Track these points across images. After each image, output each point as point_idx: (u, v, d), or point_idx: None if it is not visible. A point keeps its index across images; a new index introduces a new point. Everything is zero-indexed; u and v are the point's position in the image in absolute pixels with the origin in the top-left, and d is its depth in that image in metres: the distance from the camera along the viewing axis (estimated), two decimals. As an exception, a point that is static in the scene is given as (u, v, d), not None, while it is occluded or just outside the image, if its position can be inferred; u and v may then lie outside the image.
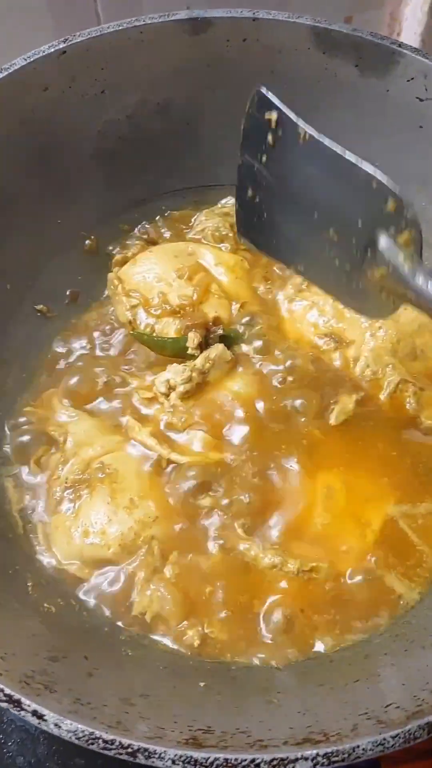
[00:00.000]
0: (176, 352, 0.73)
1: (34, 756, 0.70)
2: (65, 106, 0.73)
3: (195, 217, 0.85)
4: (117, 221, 0.83)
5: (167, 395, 0.71)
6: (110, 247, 0.83)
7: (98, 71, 0.73)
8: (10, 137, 0.70)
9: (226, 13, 0.73)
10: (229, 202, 0.86)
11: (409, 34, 1.21)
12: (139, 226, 0.84)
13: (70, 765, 0.69)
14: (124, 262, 0.81)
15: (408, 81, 0.72)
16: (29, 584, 0.62)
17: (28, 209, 0.74)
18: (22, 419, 0.73)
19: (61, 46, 0.70)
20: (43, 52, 0.69)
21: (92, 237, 0.82)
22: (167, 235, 0.84)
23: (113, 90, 0.75)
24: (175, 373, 0.71)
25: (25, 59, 0.69)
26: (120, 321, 0.77)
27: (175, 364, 0.71)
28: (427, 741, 0.72)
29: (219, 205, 0.86)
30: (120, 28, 0.71)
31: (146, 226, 0.84)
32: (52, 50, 0.70)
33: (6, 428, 0.72)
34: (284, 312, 0.79)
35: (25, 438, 0.71)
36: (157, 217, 0.85)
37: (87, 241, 0.82)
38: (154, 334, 0.75)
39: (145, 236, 0.84)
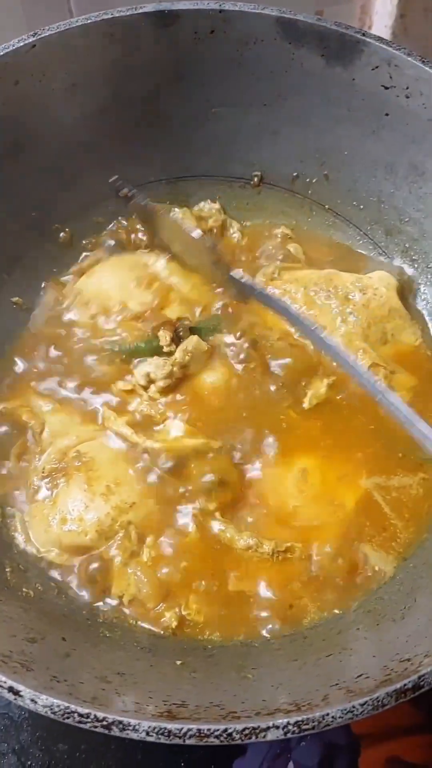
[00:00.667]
0: (151, 353, 0.74)
1: (17, 742, 0.71)
2: (36, 100, 0.74)
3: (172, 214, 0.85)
4: (91, 214, 0.84)
5: (146, 388, 0.72)
6: (84, 241, 0.84)
7: (68, 65, 0.74)
8: (-19, 131, 0.71)
9: (192, 5, 0.74)
10: (205, 206, 0.87)
11: (380, 26, 1.22)
12: (114, 221, 0.85)
13: (54, 750, 0.71)
14: (81, 273, 0.81)
15: (373, 69, 0.73)
16: (7, 570, 0.63)
17: (1, 204, 0.75)
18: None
19: (31, 40, 0.70)
20: (13, 46, 0.70)
21: (66, 230, 0.82)
22: (141, 235, 0.84)
23: (84, 83, 0.75)
24: (156, 366, 0.72)
25: (-5, 54, 0.69)
26: (82, 327, 0.77)
27: (156, 357, 0.72)
28: (405, 718, 0.74)
29: (196, 209, 0.87)
30: (89, 21, 0.72)
31: (123, 221, 0.85)
32: (21, 44, 0.70)
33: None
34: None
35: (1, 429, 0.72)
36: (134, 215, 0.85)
37: (62, 234, 0.82)
38: (123, 345, 0.75)
39: (119, 232, 0.84)
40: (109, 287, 0.78)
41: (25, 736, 0.71)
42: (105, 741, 0.71)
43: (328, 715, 0.47)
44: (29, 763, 0.70)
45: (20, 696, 0.47)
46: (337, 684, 0.51)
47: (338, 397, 0.73)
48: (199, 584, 0.64)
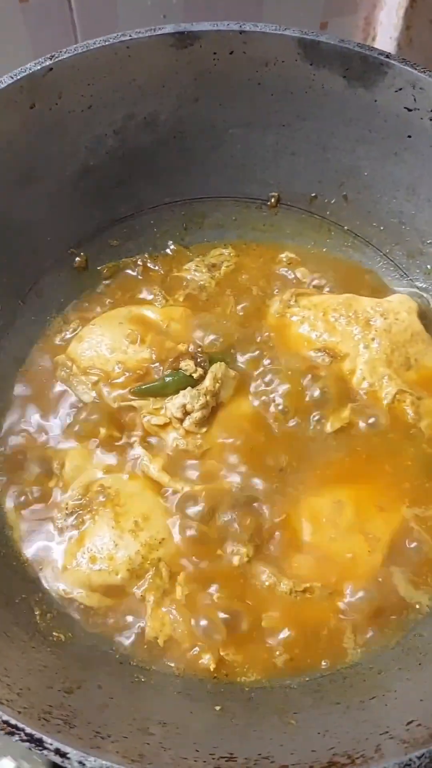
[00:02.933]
0: (181, 385, 0.71)
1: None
2: (53, 122, 0.72)
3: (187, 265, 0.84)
4: (106, 236, 0.82)
5: (181, 420, 0.70)
6: (99, 267, 0.82)
7: (85, 87, 0.72)
8: (-2, 155, 0.69)
9: (212, 26, 0.72)
10: (215, 252, 0.85)
11: (384, 38, 1.21)
12: (139, 255, 0.84)
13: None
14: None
15: (396, 91, 0.72)
16: (36, 613, 0.61)
17: (18, 227, 0.73)
18: (16, 442, 0.72)
19: (48, 63, 0.69)
20: (30, 69, 0.68)
21: (82, 254, 0.80)
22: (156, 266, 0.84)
23: (100, 105, 0.73)
24: (192, 397, 0.70)
25: (12, 77, 0.67)
26: (84, 401, 0.73)
27: (188, 388, 0.71)
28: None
29: (209, 255, 0.85)
30: (107, 43, 0.70)
31: (145, 256, 0.84)
32: (38, 67, 0.68)
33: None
34: (273, 330, 0.79)
35: (21, 462, 0.70)
36: (154, 250, 0.85)
37: (77, 258, 0.80)
38: (148, 384, 0.73)
39: (139, 265, 0.83)
40: (104, 350, 0.75)
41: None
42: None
43: (385, 768, 0.46)
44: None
45: (67, 758, 0.45)
46: (387, 732, 0.50)
47: (369, 422, 0.72)
48: (234, 623, 0.62)
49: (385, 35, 1.21)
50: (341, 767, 0.47)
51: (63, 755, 0.45)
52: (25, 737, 0.46)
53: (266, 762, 0.49)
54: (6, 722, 0.46)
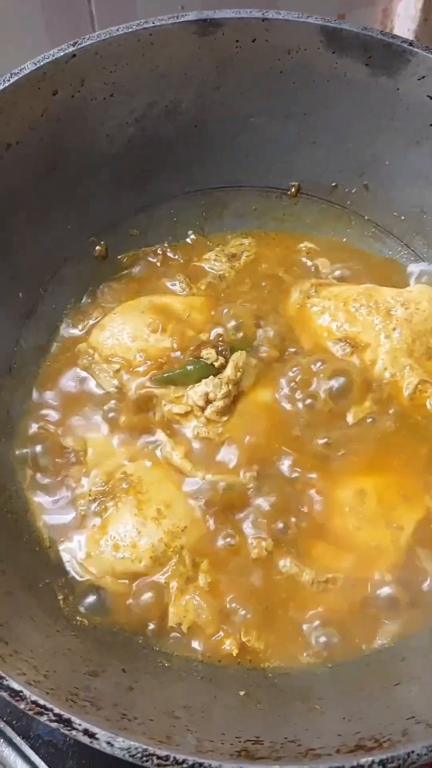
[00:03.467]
0: (203, 374, 0.71)
1: (62, 771, 0.69)
2: (74, 109, 0.72)
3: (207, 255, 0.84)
4: (126, 225, 0.82)
5: (203, 409, 0.70)
6: (120, 256, 0.82)
7: (107, 74, 0.72)
8: (21, 142, 0.69)
9: (235, 14, 0.72)
10: (235, 241, 0.85)
11: (402, 30, 1.21)
12: (159, 245, 0.84)
13: (100, 778, 0.69)
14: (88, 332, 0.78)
15: (419, 79, 0.72)
16: (60, 597, 0.62)
17: (39, 215, 0.73)
18: (39, 429, 0.72)
19: (71, 49, 0.69)
20: (53, 56, 0.68)
21: (102, 243, 0.80)
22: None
23: (122, 93, 0.73)
24: (214, 386, 0.70)
25: (35, 63, 0.67)
26: (106, 389, 0.73)
27: (210, 377, 0.70)
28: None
29: (229, 245, 0.85)
30: (129, 30, 0.70)
31: (165, 245, 0.84)
32: (62, 54, 0.68)
33: (20, 440, 0.71)
34: (293, 321, 0.78)
35: (42, 449, 0.70)
36: (174, 239, 0.84)
37: (97, 247, 0.80)
38: (169, 372, 0.73)
39: (159, 254, 0.83)
40: (125, 338, 0.75)
41: (71, 764, 0.69)
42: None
43: (413, 752, 0.46)
44: (74, 791, 0.68)
45: (96, 739, 0.46)
46: (414, 717, 0.50)
47: (390, 412, 0.72)
48: (258, 610, 0.62)
49: (403, 27, 1.21)
50: (368, 750, 0.47)
51: (92, 736, 0.46)
52: (53, 717, 0.46)
53: (293, 746, 0.49)
54: (35, 702, 0.46)
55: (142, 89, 0.74)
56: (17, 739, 0.68)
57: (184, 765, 0.45)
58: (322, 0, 1.16)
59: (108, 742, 0.45)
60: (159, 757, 0.45)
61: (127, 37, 0.70)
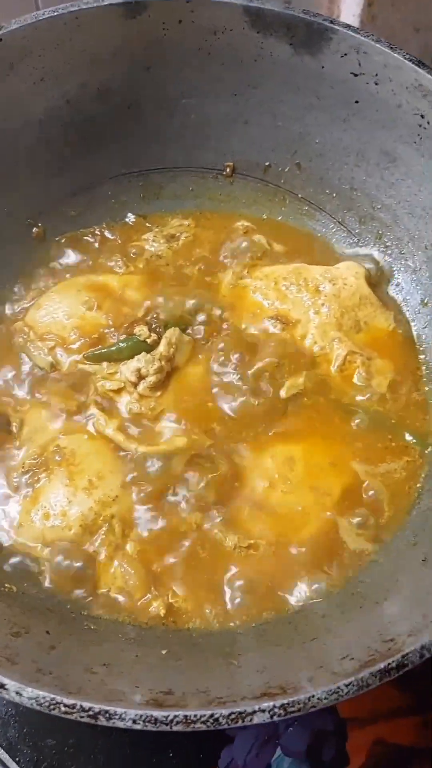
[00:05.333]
0: (135, 350, 0.73)
1: (5, 739, 0.70)
2: (5, 94, 0.73)
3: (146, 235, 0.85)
4: (64, 207, 0.83)
5: (136, 385, 0.72)
6: (57, 237, 0.83)
7: (36, 58, 0.73)
8: None
9: (159, -5, 0.74)
10: (174, 222, 0.87)
11: (348, 15, 1.23)
12: (97, 226, 0.85)
13: (42, 746, 0.70)
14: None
15: (341, 57, 0.74)
16: (-3, 565, 0.63)
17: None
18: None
19: (-5, 32, 0.70)
20: (-24, 39, 0.70)
21: (39, 225, 0.82)
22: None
23: (52, 76, 0.75)
24: (146, 362, 0.71)
25: (-39, 47, 0.69)
26: (40, 366, 0.75)
27: (143, 353, 0.72)
28: (390, 701, 0.75)
29: (168, 226, 0.86)
30: (55, 14, 0.72)
31: (103, 226, 0.85)
32: (-12, 37, 0.70)
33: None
34: (227, 299, 0.80)
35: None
36: (112, 220, 0.86)
37: (34, 229, 0.82)
38: (102, 349, 0.75)
39: (98, 235, 0.85)
40: (61, 316, 0.76)
41: (12, 732, 0.71)
42: (93, 736, 0.71)
43: (313, 696, 0.48)
44: (17, 759, 0.70)
45: (5, 689, 0.47)
46: (321, 666, 0.52)
47: (320, 383, 0.74)
48: (184, 573, 0.64)
49: (349, 13, 1.22)
50: (272, 696, 0.48)
51: (1, 686, 0.47)
52: (-35, 671, 0.48)
53: (202, 695, 0.50)
54: None
55: (72, 72, 0.76)
56: (-43, 710, 0.70)
57: (90, 712, 0.47)
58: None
59: (17, 692, 0.47)
60: (66, 705, 0.47)
61: (54, 21, 0.72)
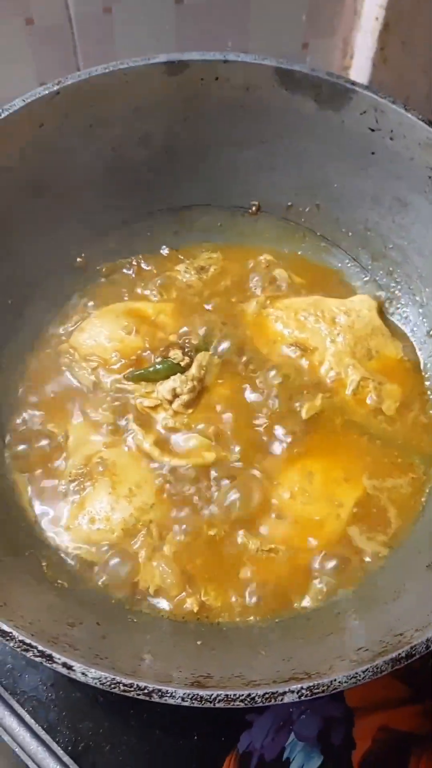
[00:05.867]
0: (170, 371, 0.81)
1: (45, 722, 0.78)
2: (58, 139, 0.81)
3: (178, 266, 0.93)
4: (105, 240, 0.91)
5: (171, 402, 0.80)
6: (98, 266, 0.92)
7: (87, 108, 0.81)
8: (11, 168, 0.78)
9: (200, 56, 0.82)
10: (204, 255, 0.95)
11: (361, 58, 1.31)
12: (134, 257, 0.93)
13: (79, 728, 0.78)
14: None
15: (361, 114, 0.82)
16: (44, 564, 0.71)
17: (29, 231, 0.82)
18: (25, 419, 0.81)
19: (55, 88, 0.78)
20: (39, 94, 0.77)
21: (83, 255, 0.90)
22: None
23: (101, 125, 0.83)
24: (180, 382, 0.80)
25: (24, 100, 0.77)
26: (84, 384, 0.83)
27: (177, 374, 0.81)
28: (394, 691, 0.83)
29: (198, 258, 0.94)
30: (107, 71, 0.80)
31: (140, 257, 0.93)
32: (47, 92, 0.78)
33: (9, 428, 0.81)
34: (251, 327, 0.89)
35: (29, 437, 0.80)
36: (148, 252, 0.94)
37: (78, 259, 0.90)
38: (141, 370, 0.83)
39: (134, 265, 0.93)
40: (102, 339, 0.85)
41: (52, 715, 0.78)
42: (125, 719, 0.78)
43: (335, 680, 0.56)
44: (57, 739, 0.77)
45: (73, 670, 0.55)
46: (340, 656, 0.60)
47: (336, 406, 0.82)
48: (215, 574, 0.72)
49: (362, 56, 1.31)
50: (299, 680, 0.56)
51: (69, 668, 0.55)
52: (37, 653, 0.55)
53: (238, 679, 0.58)
54: (22, 641, 0.56)
55: (119, 121, 0.84)
56: (5, 695, 0.77)
57: (146, 690, 0.55)
58: (288, 31, 1.26)
59: (83, 673, 0.55)
60: (125, 684, 0.55)
61: (105, 77, 0.80)
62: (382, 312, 0.89)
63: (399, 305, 0.90)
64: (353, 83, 0.82)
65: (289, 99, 0.84)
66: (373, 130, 0.83)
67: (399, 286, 0.90)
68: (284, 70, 0.82)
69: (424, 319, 0.88)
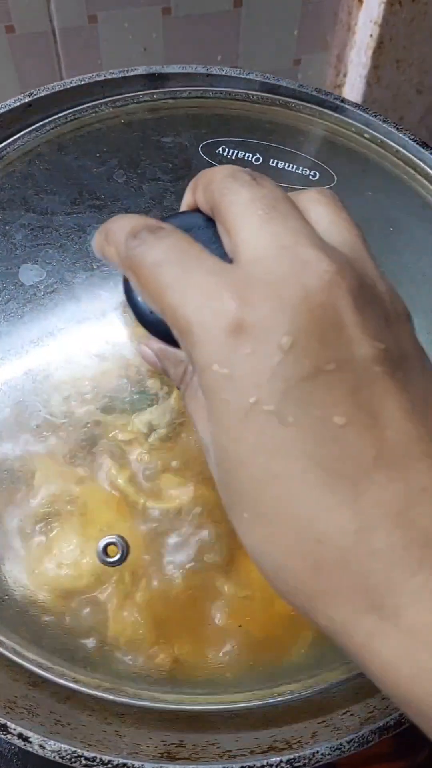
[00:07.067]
0: (146, 403, 0.76)
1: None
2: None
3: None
4: (80, 261, 0.87)
5: (147, 436, 0.75)
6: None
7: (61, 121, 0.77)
8: (-22, 185, 0.74)
9: (181, 69, 0.78)
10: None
11: (354, 75, 1.28)
12: None
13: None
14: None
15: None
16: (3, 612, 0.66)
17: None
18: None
19: (27, 99, 0.74)
20: (10, 105, 0.73)
21: (57, 276, 0.86)
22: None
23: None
24: (158, 414, 0.75)
25: (-7, 112, 0.72)
26: (54, 416, 0.76)
27: (155, 406, 0.76)
28: (379, 746, 0.79)
29: None
30: (82, 83, 0.76)
31: None
32: (18, 104, 0.74)
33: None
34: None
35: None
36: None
37: (52, 281, 0.86)
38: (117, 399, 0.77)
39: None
40: (75, 368, 0.78)
41: (15, 774, 0.73)
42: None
43: (317, 752, 0.51)
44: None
45: (29, 742, 0.50)
46: (324, 722, 0.55)
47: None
48: (189, 626, 0.67)
49: (355, 74, 1.28)
50: (279, 751, 0.52)
51: (25, 739, 0.50)
52: (-10, 723, 0.50)
53: (213, 748, 0.54)
54: (-27, 709, 0.51)
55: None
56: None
57: (109, 765, 0.50)
58: (280, 46, 1.23)
59: (40, 745, 0.50)
60: (86, 758, 0.50)
61: (81, 89, 0.76)
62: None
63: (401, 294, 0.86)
64: (343, 100, 0.78)
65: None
66: (363, 149, 0.79)
67: (402, 273, 0.86)
68: (270, 85, 0.78)
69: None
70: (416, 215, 0.79)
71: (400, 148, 0.78)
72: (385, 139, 0.78)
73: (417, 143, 0.76)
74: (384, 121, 0.77)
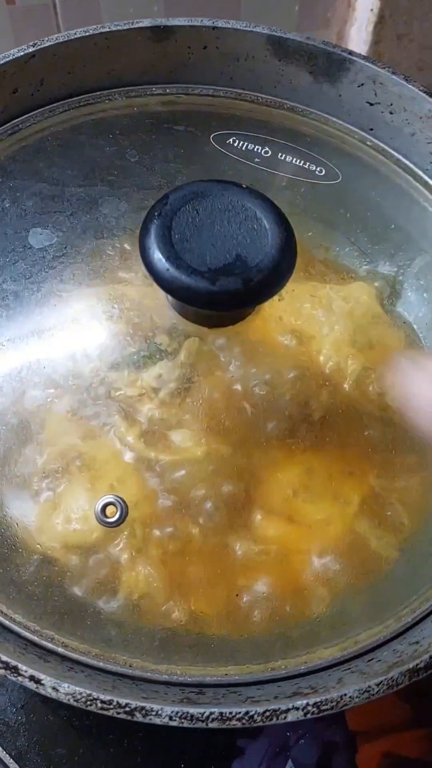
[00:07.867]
0: (155, 358, 0.73)
1: (14, 748, 0.70)
2: (34, 108, 0.75)
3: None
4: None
5: (157, 391, 0.73)
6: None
7: (65, 75, 0.76)
8: (-19, 138, 0.72)
9: (187, 22, 0.77)
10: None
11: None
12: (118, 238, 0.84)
13: (52, 755, 0.70)
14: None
15: (359, 86, 0.77)
16: (13, 569, 0.63)
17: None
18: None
19: (30, 50, 0.72)
20: (13, 56, 0.71)
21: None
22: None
23: (80, 93, 0.77)
24: (167, 369, 0.73)
25: (-4, 62, 0.71)
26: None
27: (165, 360, 0.74)
28: (397, 716, 0.76)
29: None
30: (86, 34, 0.74)
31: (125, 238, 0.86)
32: (21, 54, 0.72)
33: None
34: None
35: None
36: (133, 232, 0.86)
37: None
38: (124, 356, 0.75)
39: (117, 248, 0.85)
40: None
41: (21, 741, 0.70)
42: (103, 745, 0.70)
43: (345, 695, 0.49)
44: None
45: (42, 684, 0.47)
46: (349, 669, 0.53)
47: (337, 398, 0.75)
48: (205, 581, 0.64)
49: (356, 50, 1.27)
50: (304, 695, 0.49)
51: (37, 681, 0.48)
52: (1, 665, 0.48)
53: (234, 695, 0.51)
54: (-17, 652, 0.48)
55: (99, 90, 0.78)
56: (-31, 720, 0.69)
57: (127, 708, 0.47)
58: (280, 22, 1.23)
59: (53, 687, 0.47)
60: (103, 701, 0.47)
61: (84, 41, 0.74)
62: (382, 299, 0.83)
63: (401, 291, 0.84)
64: (351, 52, 0.77)
65: (282, 70, 0.79)
66: (371, 104, 0.78)
67: (401, 270, 0.84)
68: (277, 38, 0.77)
69: (429, 306, 0.82)
70: (426, 171, 0.78)
71: (401, 158, 0.79)
72: (387, 148, 0.80)
73: (427, 94, 0.75)
74: (393, 73, 0.76)
